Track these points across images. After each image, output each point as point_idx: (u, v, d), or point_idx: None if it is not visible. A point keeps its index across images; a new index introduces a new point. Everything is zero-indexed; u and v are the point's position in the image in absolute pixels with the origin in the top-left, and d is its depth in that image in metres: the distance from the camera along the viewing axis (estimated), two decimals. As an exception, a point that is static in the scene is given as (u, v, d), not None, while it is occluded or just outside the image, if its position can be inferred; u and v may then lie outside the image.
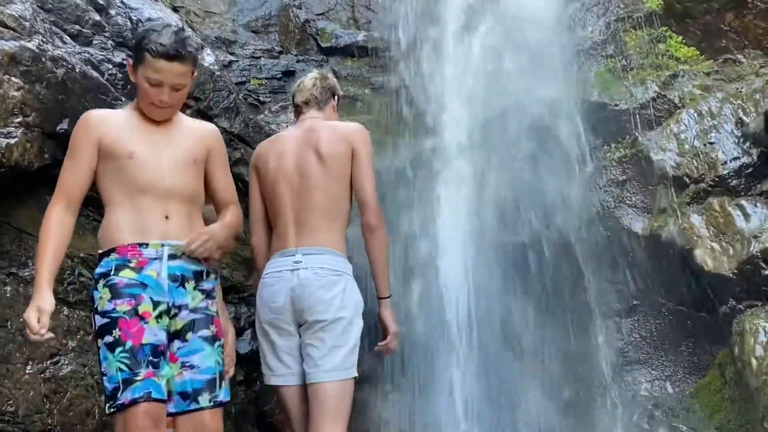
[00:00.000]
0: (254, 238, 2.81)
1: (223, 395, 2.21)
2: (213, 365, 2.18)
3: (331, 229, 2.60)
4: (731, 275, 3.65)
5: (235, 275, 3.88)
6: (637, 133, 4.56)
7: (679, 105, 4.55)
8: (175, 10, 5.15)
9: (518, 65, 5.12)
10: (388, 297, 2.68)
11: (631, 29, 5.16)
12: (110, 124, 2.26)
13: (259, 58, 5.58)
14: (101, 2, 3.81)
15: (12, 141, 2.56)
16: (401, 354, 4.31)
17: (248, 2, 6.04)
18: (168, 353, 2.13)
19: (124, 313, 2.05)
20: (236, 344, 3.73)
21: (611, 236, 4.44)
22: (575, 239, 4.50)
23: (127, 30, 3.90)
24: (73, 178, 2.20)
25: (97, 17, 3.68)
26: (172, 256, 2.17)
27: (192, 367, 2.14)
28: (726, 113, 4.21)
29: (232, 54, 5.46)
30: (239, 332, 3.72)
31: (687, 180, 4.15)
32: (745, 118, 4.10)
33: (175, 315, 2.16)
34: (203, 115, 4.10)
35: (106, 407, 2.03)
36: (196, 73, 2.31)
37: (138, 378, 1.99)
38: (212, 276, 2.31)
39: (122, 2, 4.07)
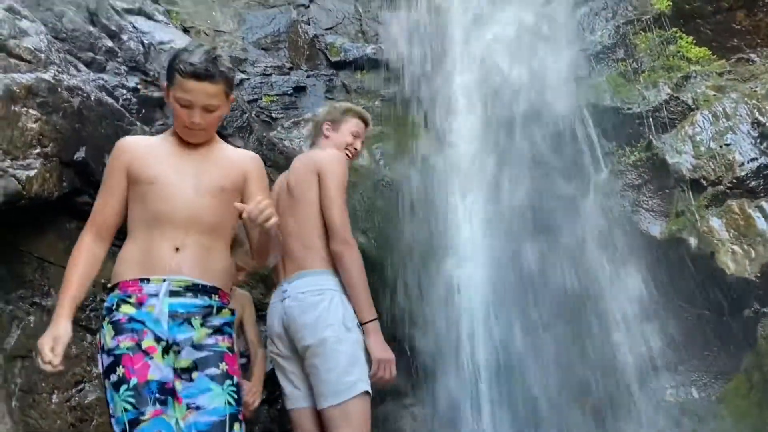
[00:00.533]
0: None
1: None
2: (222, 406, 1.99)
3: (309, 249, 2.58)
4: (754, 278, 3.61)
5: (254, 293, 3.89)
6: (651, 137, 4.53)
7: (693, 107, 4.51)
8: (185, 31, 5.21)
9: (529, 71, 5.11)
10: (372, 320, 2.55)
11: (640, 32, 5.14)
12: (140, 149, 2.20)
13: (270, 75, 5.62)
14: (113, 28, 3.85)
15: (32, 173, 2.59)
16: (422, 367, 4.31)
17: (257, 20, 6.08)
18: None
19: (127, 349, 1.95)
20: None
21: (629, 241, 4.40)
22: (592, 245, 4.47)
23: (139, 54, 3.95)
24: (103, 208, 2.16)
25: (110, 43, 3.72)
26: (174, 293, 2.03)
27: (198, 408, 1.97)
28: (741, 113, 4.17)
29: (243, 72, 5.50)
30: (260, 351, 3.72)
31: (704, 182, 4.11)
32: (761, 118, 4.06)
33: (178, 353, 2.01)
34: (218, 135, 4.13)
35: None
36: (233, 96, 2.22)
37: (144, 417, 1.88)
38: (225, 311, 2.14)
39: (134, 27, 4.12)
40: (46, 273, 2.76)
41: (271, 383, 3.60)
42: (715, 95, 4.45)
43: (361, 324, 2.52)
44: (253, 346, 3.14)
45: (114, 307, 2.02)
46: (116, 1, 4.09)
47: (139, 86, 3.73)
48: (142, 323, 1.98)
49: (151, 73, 3.94)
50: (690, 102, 4.57)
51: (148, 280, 2.03)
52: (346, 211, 2.62)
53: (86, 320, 2.79)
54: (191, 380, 1.99)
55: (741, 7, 4.82)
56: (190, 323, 2.03)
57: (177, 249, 2.05)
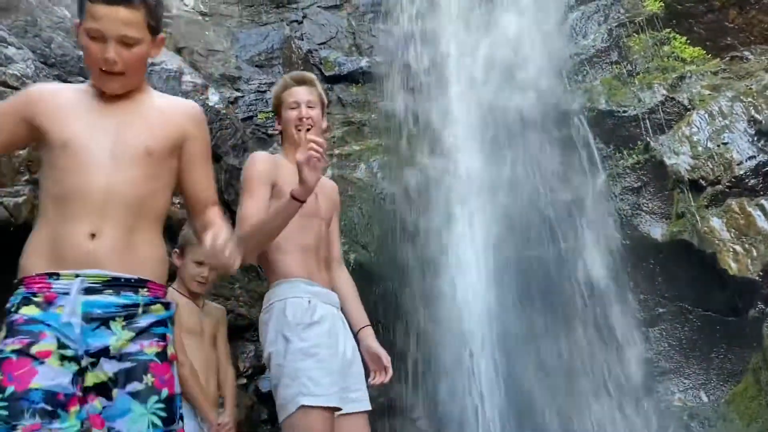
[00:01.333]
0: None
1: None
2: (145, 430, 1.64)
3: (267, 262, 2.43)
4: (757, 278, 3.57)
5: (253, 312, 3.87)
6: (648, 139, 4.51)
7: (689, 107, 4.49)
8: (178, 51, 5.23)
9: (522, 79, 5.10)
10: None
11: (633, 34, 5.12)
12: (53, 100, 1.76)
13: (264, 92, 5.63)
14: (104, 52, 3.86)
15: (20, 199, 2.59)
16: (425, 380, 4.27)
17: (250, 37, 6.11)
18: (78, 406, 1.61)
19: (11, 352, 1.59)
20: (257, 383, 3.74)
21: (630, 244, 4.37)
22: (594, 250, 4.44)
23: (130, 77, 3.95)
24: None
25: (101, 67, 3.72)
26: (90, 290, 1.65)
27: None
28: (737, 112, 4.14)
29: (237, 90, 5.51)
30: (261, 371, 3.69)
31: (703, 182, 4.08)
32: (757, 115, 4.03)
33: (94, 364, 1.65)
34: (212, 154, 4.13)
35: None
36: (162, 36, 1.81)
37: None
38: (156, 307, 1.75)
39: (124, 50, 4.13)
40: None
41: (272, 403, 3.59)
42: (710, 94, 4.43)
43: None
44: (222, 366, 2.91)
45: (14, 308, 1.66)
46: (106, 24, 4.10)
47: (130, 108, 3.73)
48: (46, 325, 1.62)
49: (143, 94, 3.94)
50: (686, 102, 4.54)
51: (57, 275, 1.66)
52: (243, 211, 2.37)
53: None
54: (110, 399, 1.64)
55: (733, 5, 4.80)
56: (109, 327, 1.66)
57: (93, 235, 1.67)
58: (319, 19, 6.55)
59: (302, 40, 6.27)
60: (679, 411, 4.01)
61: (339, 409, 2.26)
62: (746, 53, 4.69)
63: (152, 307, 1.73)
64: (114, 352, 1.65)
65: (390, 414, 4.22)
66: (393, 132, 5.36)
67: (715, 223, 3.87)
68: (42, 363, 1.59)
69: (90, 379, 1.64)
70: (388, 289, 4.30)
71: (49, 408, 1.57)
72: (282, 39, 6.19)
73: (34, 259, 1.68)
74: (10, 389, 1.56)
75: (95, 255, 1.66)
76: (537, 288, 4.42)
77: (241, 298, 3.81)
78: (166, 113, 1.81)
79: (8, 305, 1.67)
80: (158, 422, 1.66)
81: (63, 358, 1.61)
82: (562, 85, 5.02)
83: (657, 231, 4.31)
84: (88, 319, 1.64)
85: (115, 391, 1.64)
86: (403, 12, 6.03)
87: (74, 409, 1.60)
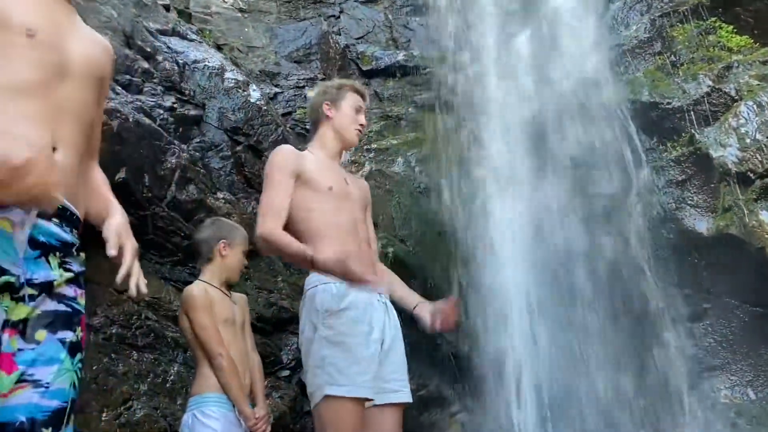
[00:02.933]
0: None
1: None
2: (68, 389, 1.38)
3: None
4: (807, 273, 3.48)
5: (295, 305, 3.92)
6: (693, 131, 4.41)
7: (736, 98, 4.38)
8: (219, 48, 5.28)
9: (563, 71, 5.04)
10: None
11: (677, 24, 5.01)
12: None
13: (303, 87, 5.66)
14: (148, 50, 3.93)
15: None
16: (468, 375, 4.27)
17: (288, 33, 6.14)
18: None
19: None
20: (300, 375, 3.78)
21: (674, 239, 4.30)
22: (637, 244, 4.37)
23: (174, 74, 4.02)
24: None
25: (146, 65, 3.79)
26: (41, 214, 1.38)
27: (38, 384, 1.33)
28: (787, 102, 4.03)
29: (276, 86, 5.56)
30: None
31: (752, 175, 3.98)
32: (808, 105, 3.92)
33: (31, 297, 1.35)
34: (254, 149, 4.19)
35: None
36: None
37: None
38: (82, 257, 1.51)
39: (168, 47, 4.20)
40: (91, 293, 2.82)
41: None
42: (759, 84, 4.31)
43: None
44: (250, 355, 2.80)
45: None
46: (150, 23, 4.17)
47: (175, 105, 3.80)
48: None
49: (187, 91, 4.01)
50: (733, 93, 4.43)
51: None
52: (266, 201, 2.36)
53: (132, 338, 2.85)
54: (35, 342, 1.35)
55: (782, -8, 4.67)
56: (48, 261, 1.40)
57: (54, 148, 1.40)
58: (356, 14, 6.56)
59: (339, 35, 6.29)
60: (726, 408, 3.94)
61: (370, 399, 2.21)
62: (796, 41, 4.55)
63: (81, 254, 1.50)
64: (56, 289, 1.40)
65: (427, 408, 4.23)
66: (430, 125, 5.35)
67: (764, 216, 3.77)
68: None
69: (19, 312, 1.34)
70: (427, 283, 4.30)
71: None
72: (319, 34, 6.22)
73: None
74: None
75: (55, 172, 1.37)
76: (579, 284, 4.37)
77: (284, 291, 3.86)
78: (99, 42, 1.63)
79: None
80: (77, 384, 1.42)
81: None
82: (604, 76, 4.94)
83: (702, 225, 4.22)
84: (33, 244, 1.37)
85: (44, 333, 1.36)
86: (439, 4, 6.02)
87: None
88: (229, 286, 2.83)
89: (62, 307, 1.40)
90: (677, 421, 3.99)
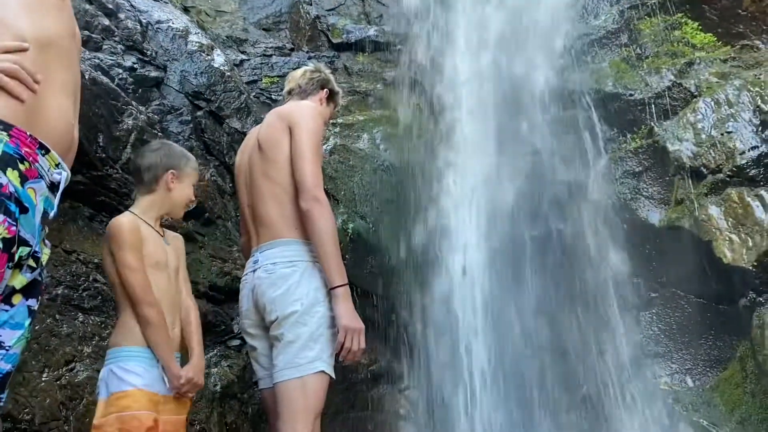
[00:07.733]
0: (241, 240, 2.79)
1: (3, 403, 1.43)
2: (19, 354, 1.40)
3: (282, 216, 2.37)
4: (750, 268, 3.59)
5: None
6: (652, 123, 4.49)
7: (696, 93, 4.46)
8: (185, 10, 5.17)
9: (531, 57, 5.06)
10: (342, 286, 2.30)
11: (645, 17, 5.07)
12: None
13: (270, 56, 5.58)
14: (110, 6, 3.82)
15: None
16: (418, 350, 4.32)
17: (259, 0, 6.03)
18: None
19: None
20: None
21: (628, 228, 4.39)
22: (591, 232, 4.46)
23: (137, 33, 3.92)
24: None
25: (107, 22, 3.69)
26: (52, 186, 1.40)
27: (1, 346, 1.35)
28: (744, 101, 4.12)
29: (243, 53, 5.46)
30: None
31: (704, 170, 4.08)
32: (763, 105, 4.01)
33: (30, 268, 1.38)
34: (215, 116, 4.12)
35: None
36: None
37: None
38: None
39: (131, 5, 4.09)
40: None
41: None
42: (718, 82, 4.40)
43: (330, 289, 2.31)
44: (185, 303, 2.43)
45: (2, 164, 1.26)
46: (114, -21, 4.05)
47: (135, 65, 3.71)
48: (23, 210, 1.29)
49: (149, 52, 3.92)
50: (693, 89, 4.51)
51: (46, 150, 1.35)
52: (318, 166, 2.38)
53: (78, 299, 2.80)
54: (11, 304, 1.36)
55: (748, -7, 4.74)
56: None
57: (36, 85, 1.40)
58: (329, -16, 6.47)
59: (311, 5, 6.20)
60: (665, 395, 4.06)
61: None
62: (757, 42, 4.64)
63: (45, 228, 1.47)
64: (44, 261, 1.42)
65: (377, 383, 4.28)
66: (397, 103, 5.33)
67: (713, 211, 3.87)
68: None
69: (15, 280, 1.35)
70: (384, 260, 4.32)
71: None
72: (290, 3, 6.13)
73: (7, 103, 1.29)
74: None
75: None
76: (532, 267, 4.44)
77: (239, 261, 3.83)
78: None
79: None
80: (24, 350, 1.42)
81: (22, 259, 1.32)
82: (570, 64, 4.98)
83: (655, 216, 4.32)
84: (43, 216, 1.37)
85: (18, 297, 1.37)
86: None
87: None
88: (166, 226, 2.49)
89: (36, 275, 1.41)
90: (618, 407, 4.11)
